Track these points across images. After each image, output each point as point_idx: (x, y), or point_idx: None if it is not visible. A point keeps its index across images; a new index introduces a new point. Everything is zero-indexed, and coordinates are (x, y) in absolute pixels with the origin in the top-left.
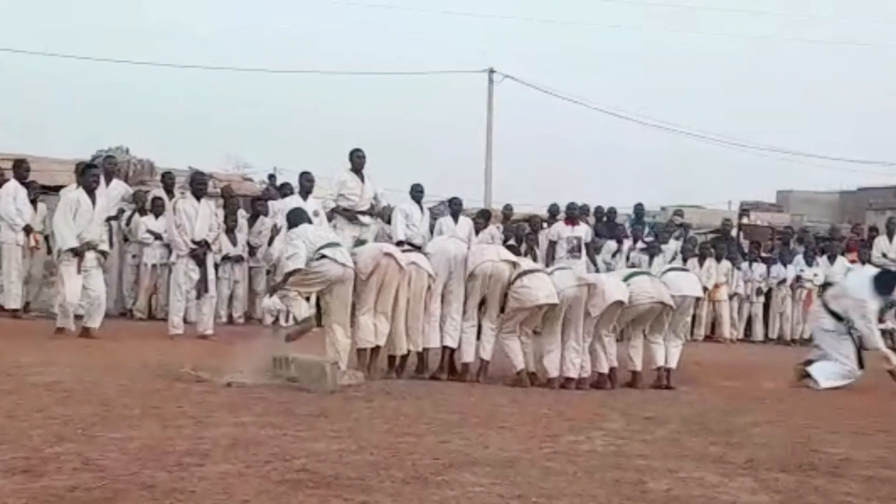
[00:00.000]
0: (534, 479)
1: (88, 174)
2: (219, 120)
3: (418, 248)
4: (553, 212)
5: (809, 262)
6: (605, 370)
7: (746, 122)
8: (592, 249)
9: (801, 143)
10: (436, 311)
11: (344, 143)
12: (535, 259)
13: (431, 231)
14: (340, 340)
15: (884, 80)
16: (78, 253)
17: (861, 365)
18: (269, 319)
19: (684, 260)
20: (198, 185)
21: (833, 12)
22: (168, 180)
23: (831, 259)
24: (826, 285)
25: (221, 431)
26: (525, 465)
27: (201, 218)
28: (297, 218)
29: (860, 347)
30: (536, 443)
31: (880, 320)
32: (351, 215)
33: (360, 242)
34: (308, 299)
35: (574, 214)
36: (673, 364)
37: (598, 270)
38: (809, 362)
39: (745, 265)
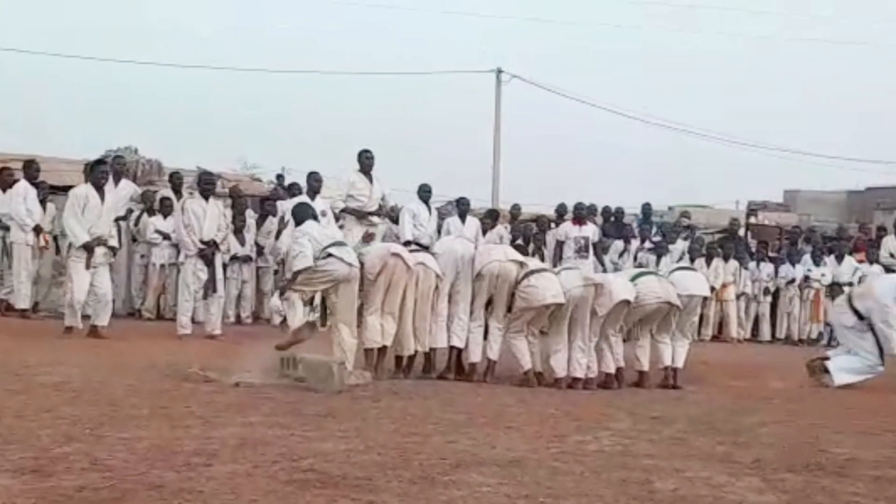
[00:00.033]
0: (541, 479)
1: (97, 170)
2: (220, 120)
3: (426, 248)
4: (561, 212)
5: (817, 262)
6: (612, 370)
7: (747, 122)
8: (600, 249)
9: (802, 142)
10: (443, 311)
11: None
12: (542, 259)
13: (439, 231)
14: (346, 340)
15: (884, 80)
16: (89, 248)
17: (883, 360)
18: (277, 319)
19: (692, 260)
20: (206, 185)
21: (833, 12)
22: (176, 180)
23: (839, 259)
24: (834, 285)
25: (229, 431)
26: (532, 465)
27: (210, 218)
28: (302, 213)
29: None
30: (544, 443)
31: None
32: (360, 215)
33: (368, 236)
34: (312, 301)
35: (581, 214)
36: (680, 364)
37: (605, 270)
38: (826, 357)
39: (752, 265)
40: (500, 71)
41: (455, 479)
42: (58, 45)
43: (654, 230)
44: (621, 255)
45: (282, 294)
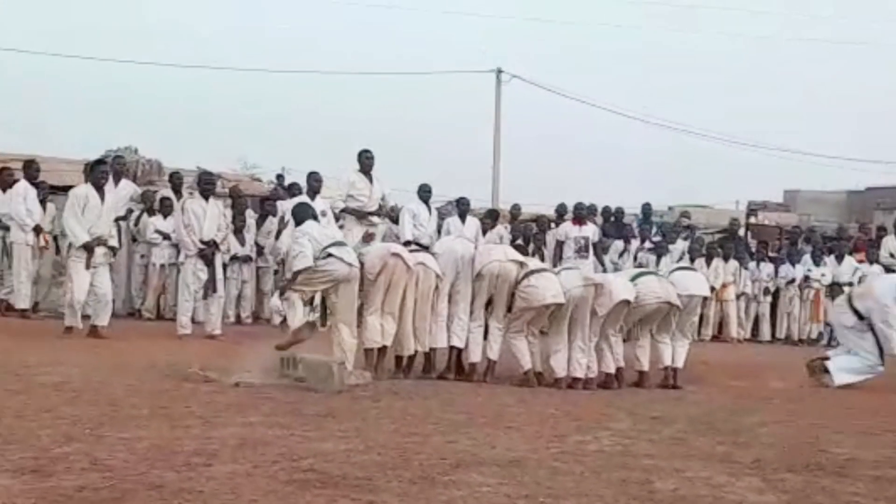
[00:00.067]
0: (541, 479)
1: (97, 170)
2: (220, 120)
3: (426, 248)
4: (561, 212)
5: (817, 262)
6: (612, 370)
7: (747, 122)
8: (600, 249)
9: (802, 142)
10: (443, 311)
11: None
12: (542, 259)
13: (439, 231)
14: (346, 340)
15: (884, 80)
16: (89, 248)
17: (883, 360)
18: (277, 319)
19: (692, 260)
20: (206, 185)
21: (833, 12)
22: (176, 180)
23: (839, 259)
24: (834, 285)
25: (229, 431)
26: (532, 465)
27: (210, 218)
28: (302, 213)
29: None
30: (543, 443)
31: None
32: (360, 215)
33: (368, 236)
34: (312, 301)
35: (581, 214)
36: (680, 363)
37: (605, 270)
38: (826, 357)
39: (752, 265)
40: (500, 71)
41: (455, 479)
42: (58, 45)
43: (654, 230)
44: (621, 255)
45: (282, 294)
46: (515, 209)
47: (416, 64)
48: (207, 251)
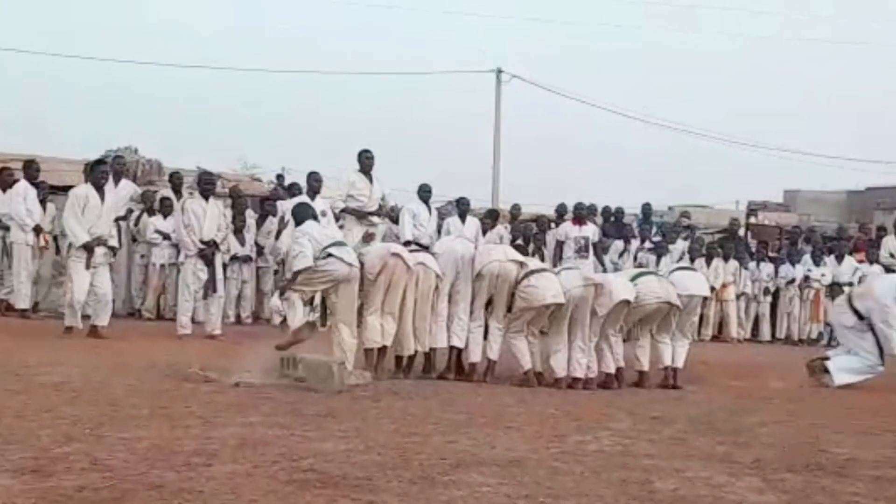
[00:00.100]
0: (541, 479)
1: (97, 170)
2: (220, 120)
3: (426, 248)
4: (560, 212)
5: (817, 262)
6: (612, 370)
7: (747, 122)
8: (600, 249)
9: (802, 142)
10: (443, 311)
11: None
12: (542, 259)
13: (439, 231)
14: (346, 340)
15: (884, 80)
16: (89, 248)
17: (883, 360)
18: (277, 319)
19: (692, 260)
20: (206, 184)
21: (833, 12)
22: (176, 180)
23: (839, 259)
24: (834, 285)
25: (229, 431)
26: (532, 465)
27: (210, 218)
28: (302, 213)
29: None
30: (543, 443)
31: None
32: (360, 215)
33: (368, 236)
34: (312, 301)
35: (581, 214)
36: (680, 363)
37: (605, 270)
38: (826, 357)
39: (752, 265)
40: (500, 71)
41: (455, 479)
42: (58, 45)
43: (654, 230)
44: (621, 255)
45: (282, 294)
46: (515, 209)
47: (416, 64)
48: (207, 251)
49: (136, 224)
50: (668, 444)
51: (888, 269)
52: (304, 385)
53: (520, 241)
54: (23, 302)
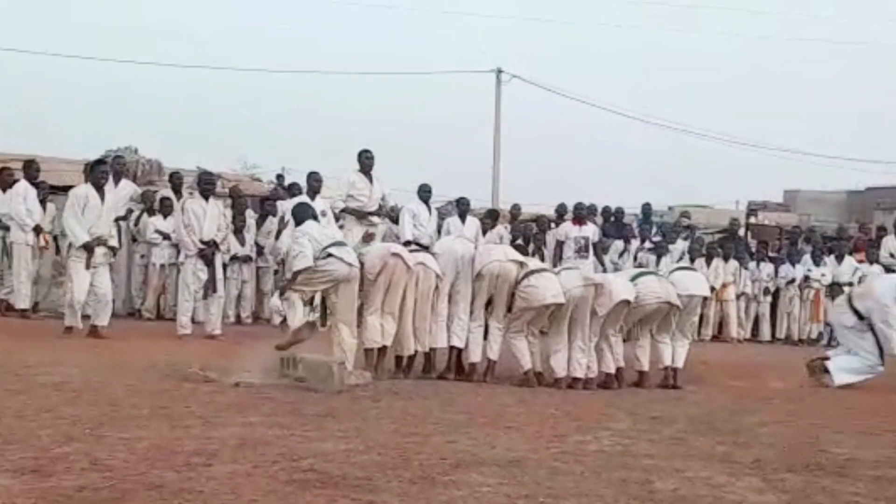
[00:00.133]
0: (541, 479)
1: (97, 170)
2: (220, 120)
3: (426, 248)
4: (561, 212)
5: (817, 262)
6: (612, 370)
7: (747, 122)
8: (600, 249)
9: (802, 142)
10: (443, 311)
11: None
12: (542, 259)
13: (439, 231)
14: (346, 340)
15: (884, 80)
16: (89, 248)
17: (883, 360)
18: (277, 319)
19: (692, 259)
20: (206, 184)
21: (833, 12)
22: (176, 180)
23: (839, 259)
24: (834, 285)
25: (229, 431)
26: (532, 465)
27: (210, 218)
28: (302, 213)
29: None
30: (543, 443)
31: None
32: (360, 215)
33: (368, 236)
34: (312, 301)
35: (581, 214)
36: (680, 363)
37: (605, 270)
38: (826, 357)
39: (752, 265)
40: (500, 71)
41: (455, 479)
42: (58, 45)
43: (654, 230)
44: (621, 255)
45: (282, 294)
46: (515, 209)
47: (416, 64)
48: (207, 251)
49: (136, 224)
50: (668, 444)
51: (888, 269)
52: (304, 385)
53: (520, 241)
54: (23, 302)
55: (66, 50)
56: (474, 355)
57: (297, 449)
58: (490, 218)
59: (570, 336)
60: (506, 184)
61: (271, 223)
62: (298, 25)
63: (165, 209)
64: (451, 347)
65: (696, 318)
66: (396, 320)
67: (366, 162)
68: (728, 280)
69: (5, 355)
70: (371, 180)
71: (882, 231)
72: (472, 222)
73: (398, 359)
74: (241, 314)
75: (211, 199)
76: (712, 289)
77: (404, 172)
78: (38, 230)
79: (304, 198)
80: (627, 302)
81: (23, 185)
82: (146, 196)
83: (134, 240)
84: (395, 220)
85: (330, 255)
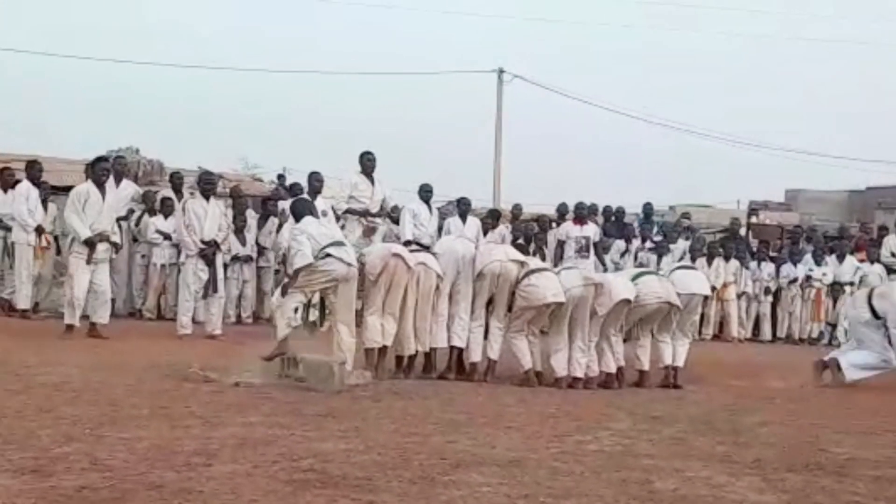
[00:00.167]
0: (541, 479)
1: (98, 167)
2: (220, 120)
3: (426, 248)
4: (562, 211)
5: (818, 262)
6: (613, 370)
7: (747, 122)
8: (601, 249)
9: (803, 142)
10: (444, 311)
11: (346, 143)
12: (543, 259)
13: (440, 231)
14: (346, 340)
15: (884, 80)
16: (90, 244)
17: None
18: None
19: (693, 259)
20: (206, 184)
21: (833, 12)
22: (177, 180)
23: (840, 258)
24: (835, 284)
25: (229, 431)
26: (532, 464)
27: (210, 218)
28: (301, 208)
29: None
30: (544, 442)
31: None
32: (362, 215)
33: (369, 231)
34: (310, 302)
35: (582, 214)
36: (680, 363)
37: (606, 270)
38: (833, 359)
39: (753, 264)
40: (501, 71)
41: (455, 478)
42: (57, 44)
43: (655, 230)
44: (623, 254)
45: (283, 293)
46: (517, 209)
47: (416, 64)
48: (208, 251)
49: (137, 224)
50: (668, 444)
51: (889, 269)
52: (304, 385)
53: (521, 241)
54: (24, 302)
55: (66, 50)
56: (475, 355)
57: (297, 449)
58: (492, 218)
59: (571, 336)
60: (507, 184)
61: (272, 223)
62: (298, 25)
63: (166, 209)
64: (452, 347)
65: (697, 318)
66: (397, 320)
67: (367, 164)
68: (729, 279)
69: (5, 355)
70: (373, 182)
71: (883, 230)
72: (473, 222)
73: (398, 359)
74: (241, 314)
75: (212, 199)
76: (713, 288)
77: (405, 172)
78: (39, 231)
79: (304, 198)
80: (628, 301)
81: (25, 186)
82: (147, 196)
83: (135, 240)
84: (396, 221)
85: (329, 255)
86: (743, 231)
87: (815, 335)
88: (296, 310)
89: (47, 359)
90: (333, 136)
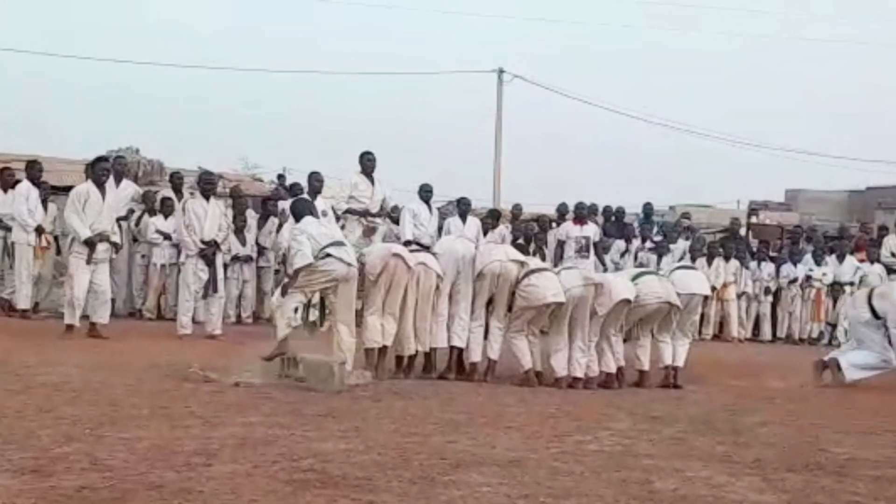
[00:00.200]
0: (541, 479)
1: (98, 167)
2: (220, 120)
3: (426, 248)
4: (562, 211)
5: (818, 262)
6: (613, 370)
7: (747, 122)
8: (601, 249)
9: (803, 142)
10: (444, 311)
11: (346, 143)
12: (543, 259)
13: (440, 231)
14: (346, 340)
15: (884, 80)
16: (90, 244)
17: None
18: None
19: (693, 259)
20: (206, 184)
21: (833, 12)
22: (177, 180)
23: (840, 258)
24: (835, 284)
25: (229, 431)
26: (532, 464)
27: (210, 218)
28: (301, 208)
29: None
30: (544, 442)
31: None
32: (362, 215)
33: (369, 230)
34: (310, 302)
35: (582, 214)
36: (680, 363)
37: (606, 270)
38: (833, 359)
39: (753, 264)
40: (501, 71)
41: (455, 478)
42: (57, 44)
43: (655, 230)
44: (623, 254)
45: (283, 293)
46: (517, 209)
47: (416, 64)
48: (208, 251)
49: (137, 224)
50: (668, 444)
51: (889, 269)
52: (304, 385)
53: (521, 241)
54: (24, 302)
55: (66, 50)
56: (475, 355)
57: (297, 449)
58: (492, 218)
59: (571, 336)
60: (507, 183)
61: (272, 223)
62: (298, 25)
63: (166, 209)
64: (452, 347)
65: (697, 318)
66: (397, 320)
67: (367, 164)
68: (729, 279)
69: (5, 355)
70: (373, 182)
71: (883, 230)
72: (473, 222)
73: (398, 359)
74: (241, 314)
75: (212, 199)
76: (713, 288)
77: (405, 172)
78: (39, 231)
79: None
80: (628, 301)
81: (25, 186)
82: (147, 196)
83: (135, 240)
84: (396, 221)
85: (328, 255)
86: (743, 231)
87: (815, 335)
88: (296, 310)
89: (47, 359)
90: (333, 136)
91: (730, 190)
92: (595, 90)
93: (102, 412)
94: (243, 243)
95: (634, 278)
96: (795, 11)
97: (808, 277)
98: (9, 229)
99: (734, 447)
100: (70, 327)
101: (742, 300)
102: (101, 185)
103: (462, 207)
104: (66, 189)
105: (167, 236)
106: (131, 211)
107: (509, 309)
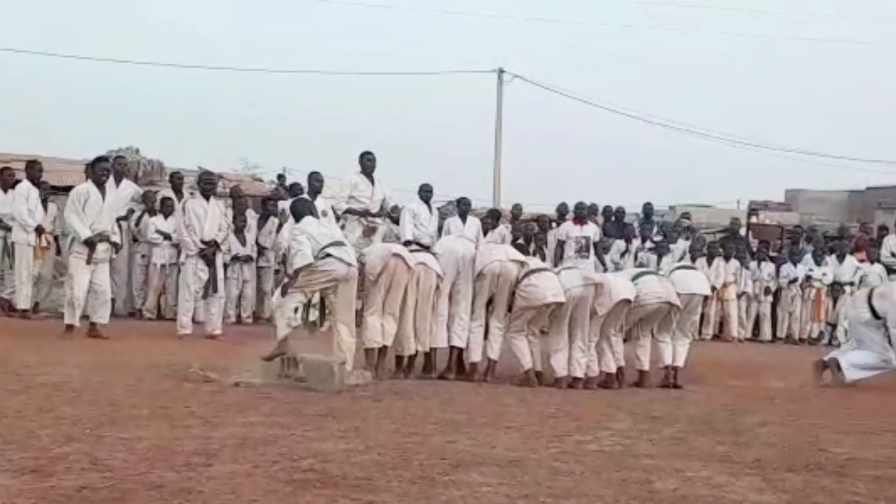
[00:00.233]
0: (541, 479)
1: (98, 167)
2: (220, 120)
3: (426, 248)
4: (562, 211)
5: (818, 262)
6: (613, 370)
7: (747, 122)
8: (601, 249)
9: (804, 142)
10: (444, 311)
11: (346, 143)
12: (543, 259)
13: (440, 231)
14: (345, 340)
15: (884, 80)
16: (90, 244)
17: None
18: None
19: (693, 259)
20: (206, 184)
21: (833, 12)
22: (177, 180)
23: (840, 258)
24: (835, 284)
25: (229, 431)
26: (532, 464)
27: (210, 218)
28: (301, 208)
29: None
30: (544, 442)
31: None
32: (362, 215)
33: (369, 230)
34: (310, 302)
35: (582, 214)
36: (680, 363)
37: (606, 270)
38: (833, 359)
39: (753, 264)
40: (501, 71)
41: (455, 479)
42: (57, 44)
43: (655, 230)
44: (623, 254)
45: (283, 293)
46: (517, 209)
47: (416, 64)
48: (208, 251)
49: (137, 224)
50: (668, 444)
51: (889, 269)
52: (304, 385)
53: (521, 241)
54: (24, 302)
55: (66, 50)
56: (475, 355)
57: (297, 449)
58: (492, 218)
59: (571, 336)
60: (507, 183)
61: (272, 223)
62: (298, 25)
63: (166, 209)
64: (452, 347)
65: (697, 318)
66: (397, 320)
67: (367, 164)
68: (729, 279)
69: (5, 355)
70: (373, 182)
71: (883, 230)
72: (473, 222)
73: (398, 359)
74: (241, 314)
75: (212, 199)
76: (713, 288)
77: (405, 172)
78: (39, 231)
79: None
80: (628, 301)
81: (25, 186)
82: (147, 196)
83: (135, 240)
84: (396, 221)
85: (328, 255)
86: (743, 231)
87: (815, 335)
88: (296, 310)
89: (47, 359)
90: (333, 136)
91: (730, 190)
92: (595, 90)
93: (102, 412)
94: (243, 243)
95: (634, 278)
96: (795, 11)
97: (808, 277)
98: (9, 229)
99: (734, 447)
100: (70, 327)
101: (742, 300)
102: (101, 185)
103: (462, 207)
104: (66, 189)
105: (167, 236)
106: (131, 211)
107: (509, 309)
